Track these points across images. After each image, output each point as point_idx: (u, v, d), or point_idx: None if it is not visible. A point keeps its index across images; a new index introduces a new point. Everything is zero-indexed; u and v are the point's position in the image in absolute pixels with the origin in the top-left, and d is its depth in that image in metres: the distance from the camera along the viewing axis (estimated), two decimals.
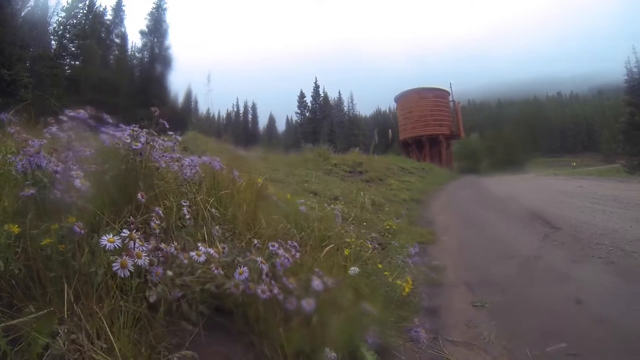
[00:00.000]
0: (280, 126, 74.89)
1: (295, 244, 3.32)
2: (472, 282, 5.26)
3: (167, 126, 3.56)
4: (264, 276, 2.62)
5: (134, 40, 43.25)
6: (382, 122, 78.67)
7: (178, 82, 58.18)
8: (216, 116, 72.69)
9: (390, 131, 56.07)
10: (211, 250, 2.75)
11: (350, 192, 12.00)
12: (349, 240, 4.76)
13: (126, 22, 42.77)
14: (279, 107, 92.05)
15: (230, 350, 2.51)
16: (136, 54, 44.37)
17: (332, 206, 7.45)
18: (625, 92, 36.92)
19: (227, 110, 73.61)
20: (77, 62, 40.96)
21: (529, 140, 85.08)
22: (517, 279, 5.25)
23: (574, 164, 53.85)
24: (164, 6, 44.48)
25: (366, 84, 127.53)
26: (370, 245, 4.94)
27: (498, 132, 71.21)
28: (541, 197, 14.11)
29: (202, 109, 65.31)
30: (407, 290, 3.94)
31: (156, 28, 44.46)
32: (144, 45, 43.99)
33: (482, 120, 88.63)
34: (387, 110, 72.77)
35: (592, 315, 3.89)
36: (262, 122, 74.89)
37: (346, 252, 4.25)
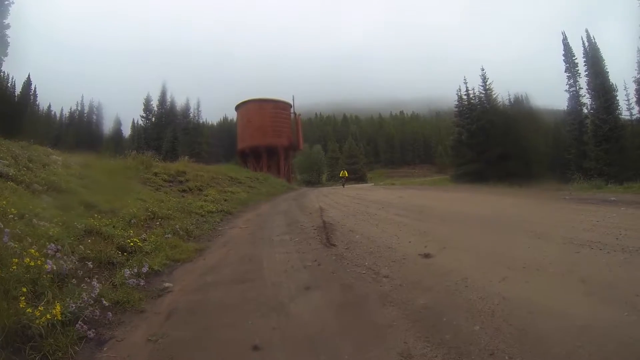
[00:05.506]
0: (128, 130, 68.77)
1: None
2: (181, 309, 4.76)
3: None
4: None
5: None
6: (227, 131, 77.30)
7: (18, 70, 50.07)
8: (58, 114, 65.34)
9: None
10: None
11: (136, 204, 10.93)
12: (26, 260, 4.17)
13: None
14: (127, 110, 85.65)
15: None
16: None
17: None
18: (455, 115, 40.30)
19: (71, 109, 66.49)
20: None
21: (371, 152, 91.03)
22: (227, 310, 4.62)
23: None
24: None
25: (216, 91, 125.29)
26: (48, 266, 4.31)
27: (341, 145, 73.99)
28: (351, 208, 13.68)
29: (43, 104, 57.96)
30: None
31: None
32: None
33: (327, 133, 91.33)
34: (234, 119, 70.72)
35: None
36: (110, 124, 68.23)
37: None
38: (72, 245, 5.74)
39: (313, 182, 60.59)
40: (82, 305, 4.11)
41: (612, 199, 12.05)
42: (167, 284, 5.71)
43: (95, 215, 8.14)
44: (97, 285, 4.67)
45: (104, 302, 4.44)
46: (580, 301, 3.83)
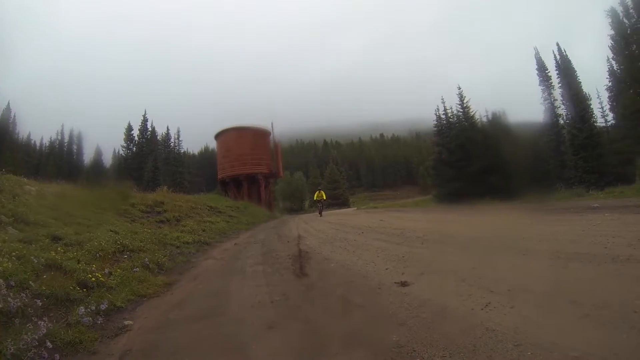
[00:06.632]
0: (109, 160, 67.32)
1: None
2: (136, 350, 4.44)
3: None
4: None
5: None
6: (208, 160, 76.75)
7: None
8: (38, 143, 63.95)
9: None
10: None
11: (105, 236, 10.45)
12: None
13: None
14: (109, 140, 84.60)
15: None
16: None
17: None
18: (434, 135, 40.14)
19: (51, 138, 65.15)
20: None
21: (353, 176, 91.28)
22: (183, 352, 4.25)
23: None
24: None
25: (195, 120, 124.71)
26: None
27: (322, 171, 73.93)
28: (330, 235, 13.35)
29: (23, 132, 56.70)
30: None
31: None
32: None
33: (308, 159, 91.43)
34: (215, 148, 70.05)
35: None
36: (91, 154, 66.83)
37: None
38: (26, 281, 5.46)
39: (295, 209, 60.20)
40: (24, 347, 3.85)
41: (595, 205, 11.95)
42: (127, 322, 5.46)
43: (59, 248, 7.82)
44: (44, 324, 4.38)
45: (48, 343, 4.13)
46: (573, 326, 3.45)
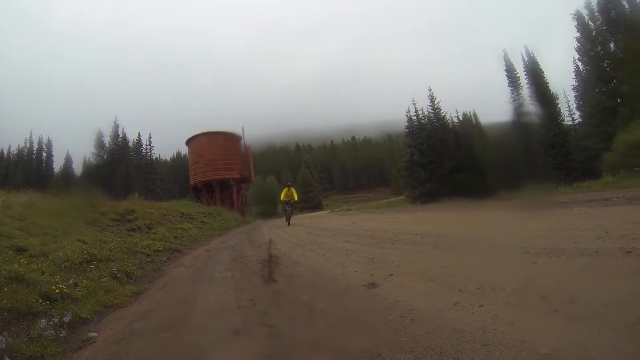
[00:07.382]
0: (79, 167, 65.80)
1: None
2: None
3: None
4: None
5: None
6: (180, 166, 76.07)
7: None
8: (5, 151, 62.64)
9: None
10: None
11: (73, 246, 10.13)
12: None
13: None
14: (79, 146, 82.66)
15: None
16: None
17: None
18: (406, 136, 41.43)
19: (19, 146, 63.87)
20: None
21: (325, 179, 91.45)
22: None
23: None
24: None
25: (167, 126, 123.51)
26: None
27: (295, 175, 74.00)
28: (301, 238, 13.31)
29: None
30: None
31: None
32: None
33: (280, 164, 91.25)
34: (187, 154, 69.37)
35: None
36: (60, 161, 65.32)
37: None
38: None
39: (268, 213, 59.93)
40: None
41: (564, 200, 12.08)
42: (92, 334, 5.31)
43: (23, 260, 7.68)
44: (4, 339, 4.30)
45: (7, 359, 4.09)
46: (542, 322, 3.39)
